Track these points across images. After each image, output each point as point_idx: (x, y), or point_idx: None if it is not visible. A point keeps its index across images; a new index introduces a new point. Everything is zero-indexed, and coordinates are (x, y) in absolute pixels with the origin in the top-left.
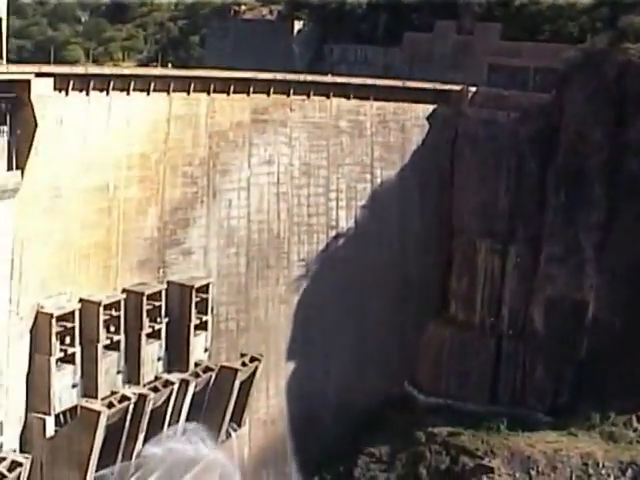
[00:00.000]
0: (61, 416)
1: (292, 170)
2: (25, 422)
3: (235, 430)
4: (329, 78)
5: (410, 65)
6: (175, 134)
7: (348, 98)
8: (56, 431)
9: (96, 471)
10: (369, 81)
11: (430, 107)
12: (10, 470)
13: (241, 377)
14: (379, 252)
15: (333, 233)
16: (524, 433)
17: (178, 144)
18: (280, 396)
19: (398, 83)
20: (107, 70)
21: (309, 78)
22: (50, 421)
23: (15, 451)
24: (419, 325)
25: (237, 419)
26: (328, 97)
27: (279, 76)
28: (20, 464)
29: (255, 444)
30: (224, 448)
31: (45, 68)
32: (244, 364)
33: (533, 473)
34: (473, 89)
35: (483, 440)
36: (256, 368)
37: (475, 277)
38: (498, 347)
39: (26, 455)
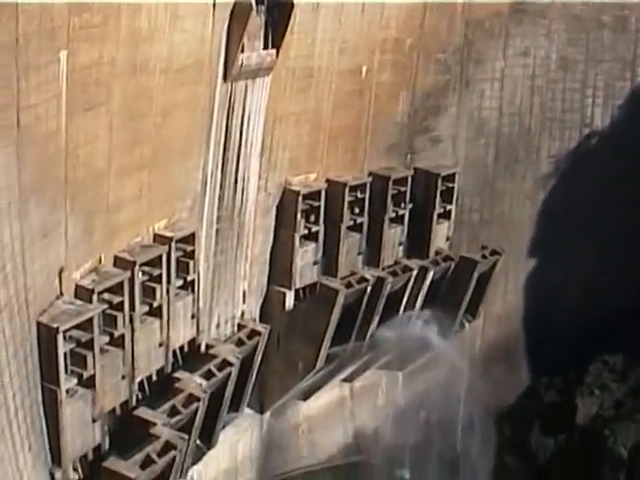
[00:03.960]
0: (300, 291)
1: (548, 63)
2: (266, 294)
3: (469, 322)
4: None
5: None
6: (430, 20)
7: None
8: (295, 305)
9: (329, 347)
10: None
11: None
12: (249, 338)
13: (480, 269)
14: (634, 155)
15: (586, 131)
16: None
17: (433, 31)
18: (517, 293)
19: None
20: None
21: None
22: (290, 295)
23: (255, 320)
24: None
25: (472, 311)
26: None
27: None
28: (259, 333)
29: (487, 338)
30: (456, 339)
31: None
32: (484, 257)
33: None
34: None
35: None
36: (496, 262)
37: None
38: None
39: (265, 325)
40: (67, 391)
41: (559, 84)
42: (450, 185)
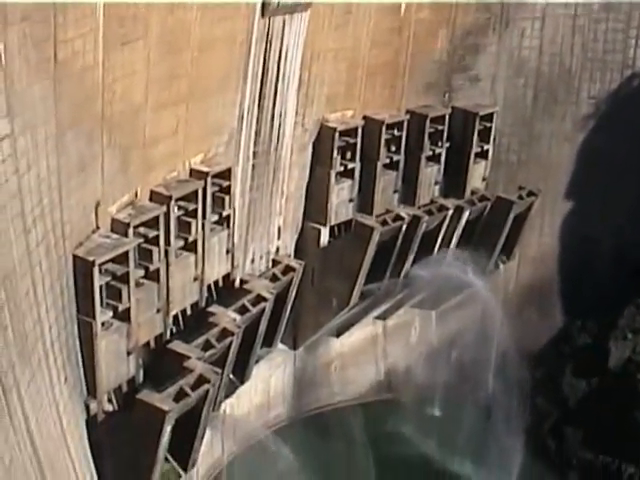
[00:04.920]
0: (335, 228)
1: (591, 3)
2: (301, 230)
3: (504, 263)
4: None
5: None
6: None
7: None
8: (330, 242)
9: (364, 285)
10: None
11: None
12: (284, 274)
13: (516, 210)
14: None
15: (628, 72)
16: None
17: None
18: (553, 235)
19: None
20: None
21: None
22: (325, 232)
23: (290, 256)
24: None
25: (507, 252)
26: None
27: None
28: (293, 269)
29: (521, 280)
30: (490, 280)
31: None
32: (521, 197)
33: None
34: None
35: None
36: (532, 203)
37: None
38: None
39: (299, 261)
40: (102, 324)
41: (601, 24)
42: (488, 124)
